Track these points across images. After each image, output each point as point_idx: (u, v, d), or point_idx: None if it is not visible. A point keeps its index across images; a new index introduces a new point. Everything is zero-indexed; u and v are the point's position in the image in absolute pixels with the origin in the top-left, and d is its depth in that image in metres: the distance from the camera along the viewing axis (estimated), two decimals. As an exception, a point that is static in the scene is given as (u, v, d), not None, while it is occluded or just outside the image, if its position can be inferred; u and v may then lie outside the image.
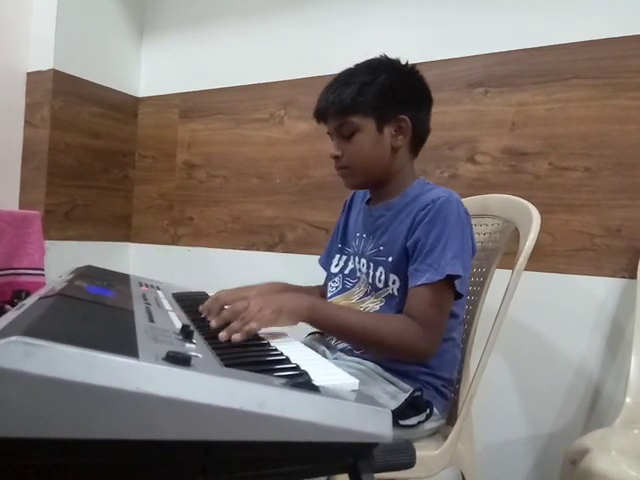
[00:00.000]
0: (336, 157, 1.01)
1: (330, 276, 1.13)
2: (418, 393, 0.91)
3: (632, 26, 1.24)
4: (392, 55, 1.01)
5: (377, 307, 0.99)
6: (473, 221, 1.15)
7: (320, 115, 1.02)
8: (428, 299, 0.90)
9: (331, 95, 0.99)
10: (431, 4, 1.50)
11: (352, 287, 1.06)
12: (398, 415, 0.87)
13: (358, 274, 1.05)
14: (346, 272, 1.08)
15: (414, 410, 0.91)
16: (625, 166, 1.24)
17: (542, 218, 1.00)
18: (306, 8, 1.72)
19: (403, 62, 1.02)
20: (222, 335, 0.66)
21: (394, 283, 0.97)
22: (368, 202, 1.11)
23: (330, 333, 0.97)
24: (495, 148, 1.39)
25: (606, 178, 1.26)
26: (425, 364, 0.96)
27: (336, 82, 1.00)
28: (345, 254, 1.10)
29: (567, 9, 1.32)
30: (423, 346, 0.90)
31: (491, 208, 1.15)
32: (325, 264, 1.18)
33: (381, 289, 0.99)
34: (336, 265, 1.11)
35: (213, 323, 0.71)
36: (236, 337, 0.66)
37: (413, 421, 0.90)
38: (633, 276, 1.20)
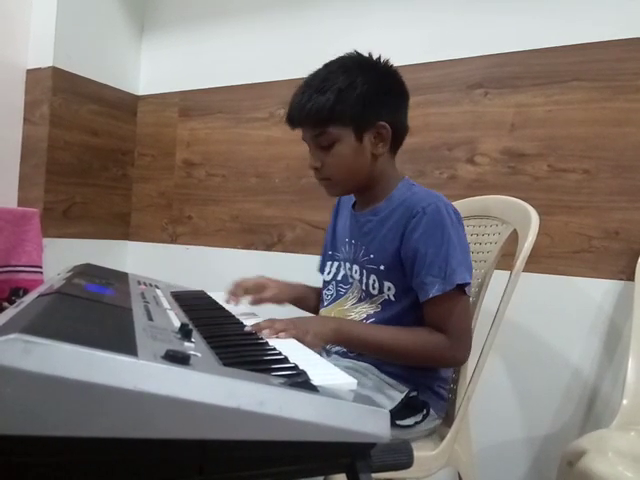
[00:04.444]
0: (315, 168, 0.97)
1: (324, 283, 1.12)
2: (414, 394, 0.91)
3: (631, 29, 1.24)
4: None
5: (372, 312, 0.98)
6: (471, 222, 1.16)
7: (294, 122, 0.97)
8: (445, 309, 0.90)
9: (306, 102, 0.92)
10: (431, 5, 1.50)
11: (345, 293, 1.05)
12: (394, 416, 0.87)
13: (350, 280, 1.04)
14: (338, 278, 1.07)
15: (410, 410, 0.91)
16: (624, 168, 1.25)
17: (540, 220, 1.01)
18: (306, 7, 1.71)
19: (375, 58, 0.98)
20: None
21: (389, 290, 0.96)
22: (354, 206, 1.08)
23: (357, 351, 0.97)
24: (494, 149, 1.40)
25: (605, 180, 1.27)
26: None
27: (310, 87, 0.94)
28: (336, 260, 1.09)
29: (566, 11, 1.32)
30: (453, 355, 0.92)
31: (490, 209, 1.16)
32: (322, 271, 1.16)
33: (376, 295, 0.98)
34: (328, 272, 1.10)
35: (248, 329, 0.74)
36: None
37: (410, 421, 0.91)
38: (631, 278, 1.20)
